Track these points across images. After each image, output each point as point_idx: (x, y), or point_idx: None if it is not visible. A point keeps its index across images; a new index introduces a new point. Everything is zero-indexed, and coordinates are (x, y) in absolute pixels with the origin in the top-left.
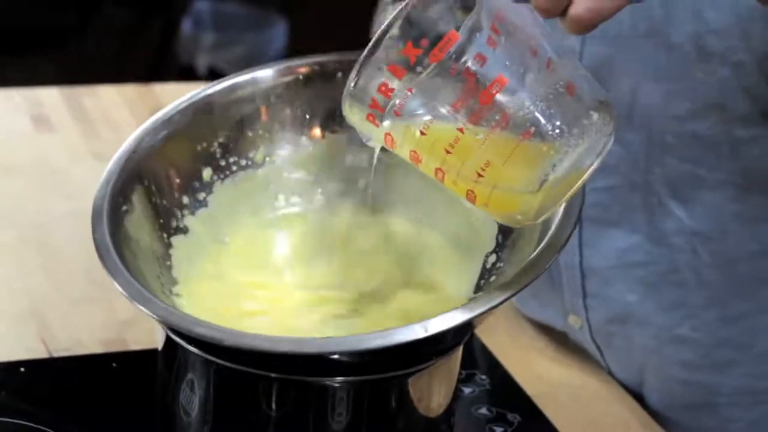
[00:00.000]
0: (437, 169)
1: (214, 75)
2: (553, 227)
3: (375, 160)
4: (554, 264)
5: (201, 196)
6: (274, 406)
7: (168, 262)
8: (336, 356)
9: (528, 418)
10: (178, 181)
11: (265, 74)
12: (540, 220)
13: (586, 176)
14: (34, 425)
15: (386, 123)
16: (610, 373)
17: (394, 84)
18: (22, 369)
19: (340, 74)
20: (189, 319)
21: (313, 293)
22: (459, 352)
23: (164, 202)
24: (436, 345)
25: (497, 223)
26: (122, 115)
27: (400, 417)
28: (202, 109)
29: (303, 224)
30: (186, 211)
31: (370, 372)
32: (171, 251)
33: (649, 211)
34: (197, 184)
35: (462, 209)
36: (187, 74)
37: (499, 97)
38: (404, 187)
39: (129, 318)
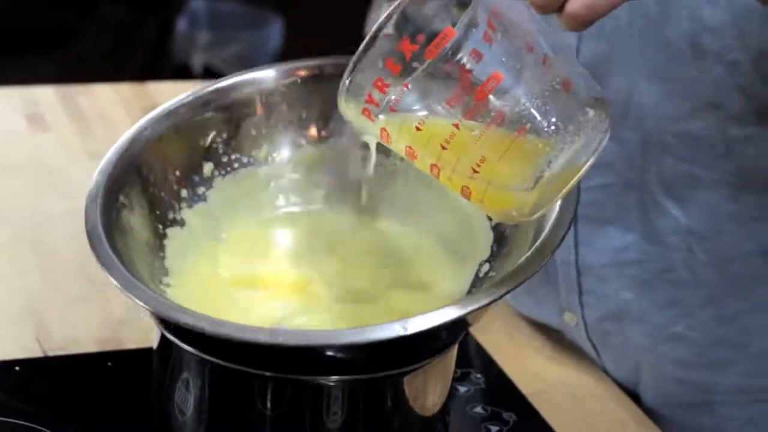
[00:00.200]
0: (432, 165)
1: (209, 74)
2: (546, 230)
3: (372, 160)
4: (550, 261)
5: (200, 190)
6: (269, 405)
7: (161, 253)
8: (315, 351)
9: (523, 417)
10: (177, 173)
11: (267, 74)
12: (535, 216)
13: (581, 173)
14: (30, 424)
15: (382, 118)
16: (605, 372)
17: (390, 79)
18: (18, 368)
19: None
20: (172, 306)
21: (306, 292)
22: (454, 350)
23: (162, 193)
24: (430, 343)
25: (493, 232)
26: (118, 114)
27: (396, 416)
28: (205, 104)
29: (301, 224)
30: (184, 204)
31: (365, 371)
32: (166, 242)
33: (644, 210)
34: (197, 178)
35: (460, 215)
36: (183, 73)
37: (495, 93)
38: (403, 191)
39: (124, 317)
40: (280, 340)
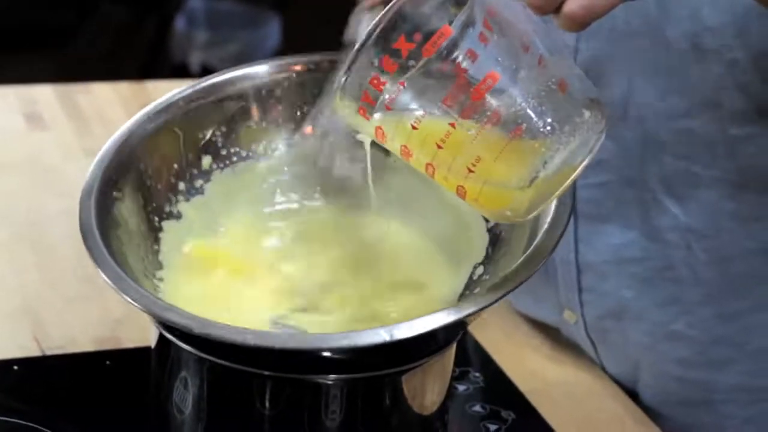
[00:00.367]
0: (428, 164)
1: (207, 73)
2: (540, 233)
3: (368, 157)
4: (549, 260)
5: (198, 183)
6: (267, 404)
7: (156, 247)
8: (305, 353)
9: (522, 415)
10: (175, 166)
11: (265, 69)
12: (530, 216)
13: (576, 173)
14: (28, 423)
15: (377, 116)
16: (604, 370)
17: (386, 77)
18: (16, 367)
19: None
20: (161, 305)
21: (301, 288)
22: (452, 349)
23: (159, 186)
24: (425, 345)
25: (488, 234)
26: (116, 113)
27: (394, 415)
28: (203, 98)
29: (298, 220)
30: (180, 197)
31: (363, 370)
32: (161, 235)
33: (643, 208)
34: (195, 171)
35: (456, 216)
36: (181, 72)
37: (491, 93)
38: (401, 189)
39: (122, 316)
40: (267, 342)
